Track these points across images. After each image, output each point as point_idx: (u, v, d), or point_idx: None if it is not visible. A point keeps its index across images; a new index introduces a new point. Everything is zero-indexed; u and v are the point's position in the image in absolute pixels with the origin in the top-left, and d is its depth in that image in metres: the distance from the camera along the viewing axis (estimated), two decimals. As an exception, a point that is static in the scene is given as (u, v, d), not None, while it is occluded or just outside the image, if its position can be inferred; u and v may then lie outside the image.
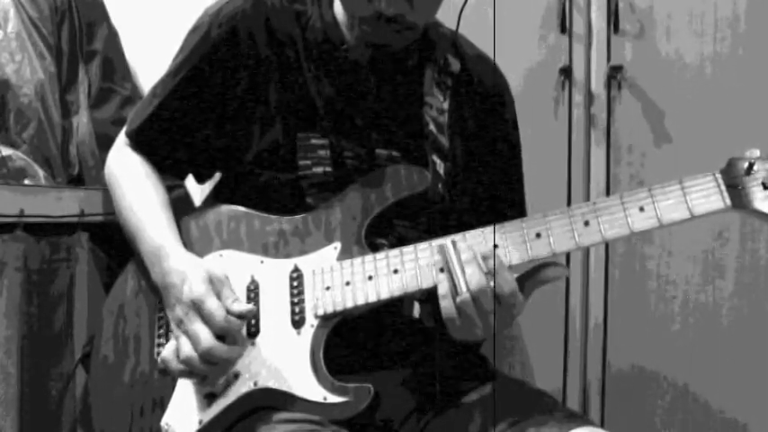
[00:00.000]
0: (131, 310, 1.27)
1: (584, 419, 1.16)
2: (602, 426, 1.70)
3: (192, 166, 1.34)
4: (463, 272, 1.06)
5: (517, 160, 1.37)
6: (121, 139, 1.35)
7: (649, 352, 1.71)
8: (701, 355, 1.69)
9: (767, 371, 1.65)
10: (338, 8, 1.27)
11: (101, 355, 1.27)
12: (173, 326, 1.17)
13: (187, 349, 1.13)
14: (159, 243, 1.22)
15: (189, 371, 1.14)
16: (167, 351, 1.16)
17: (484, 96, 1.33)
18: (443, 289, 1.08)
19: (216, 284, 1.15)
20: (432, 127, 1.25)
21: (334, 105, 1.24)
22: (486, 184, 1.32)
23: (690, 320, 1.70)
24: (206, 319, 1.13)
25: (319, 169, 1.23)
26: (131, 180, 1.30)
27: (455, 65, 1.30)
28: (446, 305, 1.07)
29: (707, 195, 1.05)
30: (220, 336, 1.13)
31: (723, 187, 1.05)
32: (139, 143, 1.32)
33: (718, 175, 1.06)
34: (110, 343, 1.27)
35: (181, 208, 1.31)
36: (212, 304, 1.12)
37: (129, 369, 1.23)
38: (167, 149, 1.30)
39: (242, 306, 1.14)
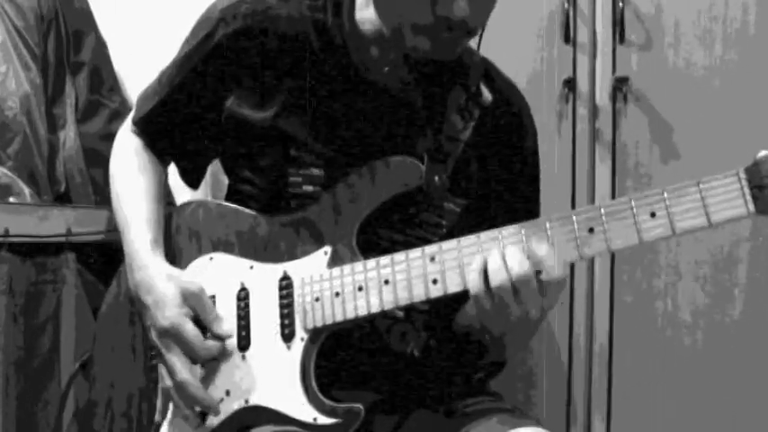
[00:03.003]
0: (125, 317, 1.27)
1: (530, 419, 1.16)
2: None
3: (193, 158, 1.33)
4: None
5: (534, 193, 1.33)
6: (127, 125, 1.36)
7: (656, 376, 1.67)
8: (710, 380, 1.66)
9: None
10: (364, 19, 1.20)
11: (101, 366, 1.29)
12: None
13: (166, 381, 1.16)
14: (135, 248, 1.22)
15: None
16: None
17: (508, 130, 1.28)
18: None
19: (190, 301, 1.15)
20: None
21: (341, 125, 1.21)
22: (500, 213, 1.26)
23: (698, 343, 1.66)
24: (182, 348, 1.14)
25: (309, 188, 1.20)
26: (125, 175, 1.30)
27: (487, 97, 1.24)
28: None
29: (729, 200, 0.95)
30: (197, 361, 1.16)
31: (747, 190, 0.95)
32: (145, 131, 1.33)
33: (743, 175, 0.95)
34: (110, 351, 1.28)
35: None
36: (189, 332, 1.14)
37: (126, 379, 1.25)
38: (172, 140, 1.30)
39: (222, 327, 1.16)
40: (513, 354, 1.29)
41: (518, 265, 1.02)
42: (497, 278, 1.02)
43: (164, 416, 1.19)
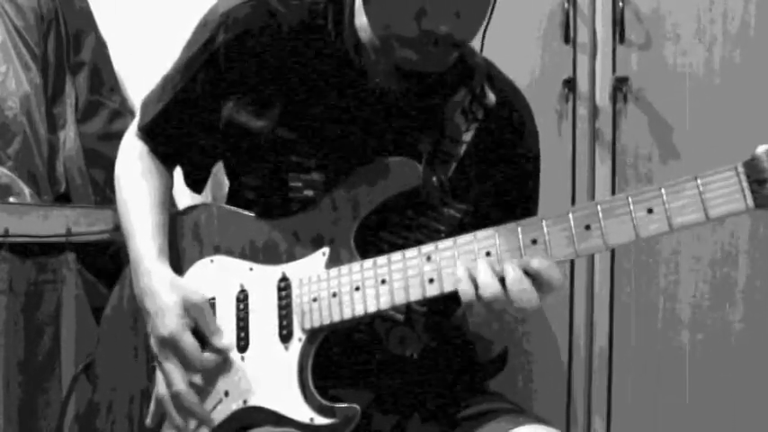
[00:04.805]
0: (129, 319, 1.27)
1: (533, 417, 1.17)
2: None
3: (197, 163, 1.33)
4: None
5: (534, 196, 1.33)
6: (132, 130, 1.35)
7: (656, 376, 1.67)
8: (710, 380, 1.65)
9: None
10: (361, 26, 1.19)
11: (103, 368, 1.29)
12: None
13: (161, 389, 1.16)
14: (141, 255, 1.22)
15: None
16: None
17: (511, 132, 1.28)
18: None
19: (192, 312, 1.16)
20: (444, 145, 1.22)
21: (341, 130, 1.20)
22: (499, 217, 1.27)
23: (698, 343, 1.66)
24: (180, 358, 1.15)
25: (309, 192, 1.20)
26: (130, 180, 1.30)
27: (491, 98, 1.23)
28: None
29: (727, 194, 0.95)
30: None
31: (746, 184, 0.94)
32: (150, 137, 1.32)
33: (741, 170, 0.94)
34: (113, 353, 1.29)
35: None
36: (187, 342, 1.14)
37: (128, 381, 1.25)
38: (176, 145, 1.30)
39: (222, 341, 1.16)
40: (497, 349, 1.28)
41: (518, 284, 1.01)
42: (497, 302, 1.02)
43: (154, 421, 1.19)
